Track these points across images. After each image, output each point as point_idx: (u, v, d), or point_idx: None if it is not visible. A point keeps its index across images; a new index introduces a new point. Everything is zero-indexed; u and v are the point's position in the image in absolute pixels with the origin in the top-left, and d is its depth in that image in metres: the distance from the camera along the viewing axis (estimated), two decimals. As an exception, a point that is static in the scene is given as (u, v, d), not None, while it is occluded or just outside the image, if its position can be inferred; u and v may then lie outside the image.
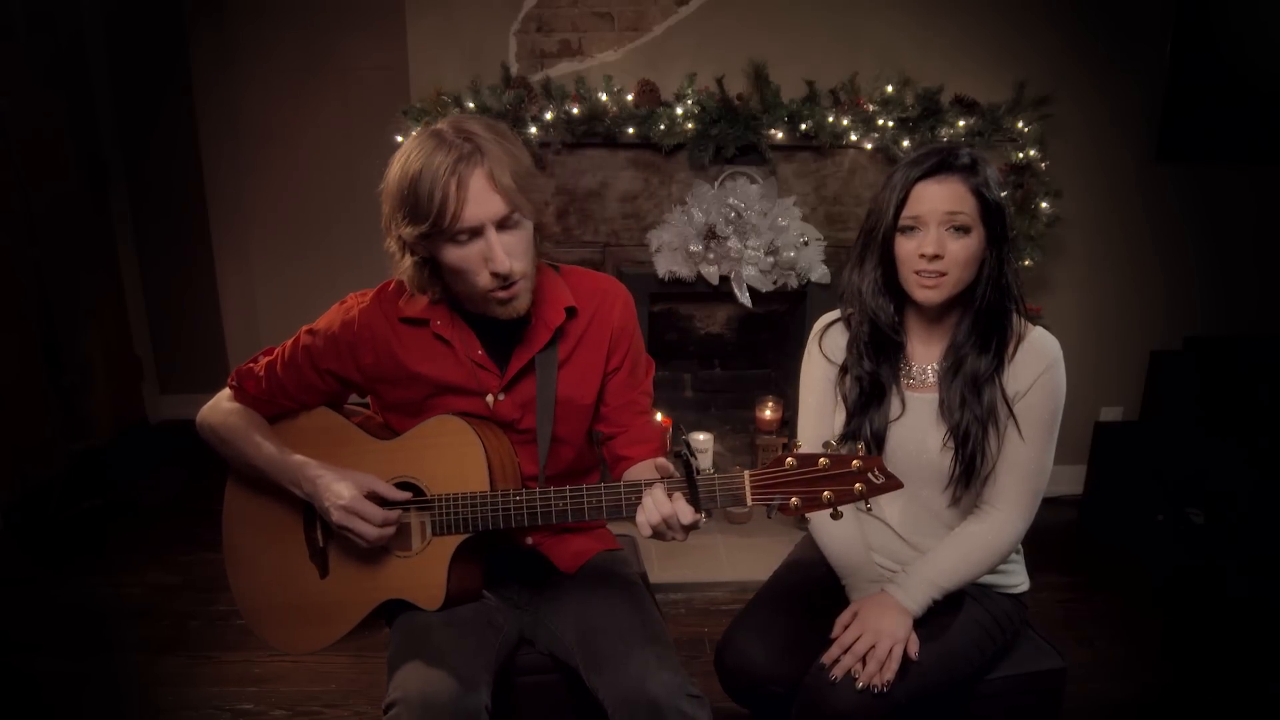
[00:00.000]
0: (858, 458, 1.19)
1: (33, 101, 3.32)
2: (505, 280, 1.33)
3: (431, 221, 1.28)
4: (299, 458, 1.43)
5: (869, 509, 1.22)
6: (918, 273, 1.40)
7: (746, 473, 1.23)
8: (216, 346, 4.03)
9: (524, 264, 1.35)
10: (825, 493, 1.19)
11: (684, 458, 1.24)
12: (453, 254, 1.32)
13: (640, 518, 1.25)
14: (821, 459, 1.20)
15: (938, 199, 1.37)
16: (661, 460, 1.32)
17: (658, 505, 1.24)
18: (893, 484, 1.20)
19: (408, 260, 1.37)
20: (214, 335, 4.04)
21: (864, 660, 1.36)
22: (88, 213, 3.67)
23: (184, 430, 3.89)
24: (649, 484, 1.27)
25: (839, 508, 1.20)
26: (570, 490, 1.33)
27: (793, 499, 1.20)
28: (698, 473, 1.24)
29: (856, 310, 1.51)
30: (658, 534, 1.26)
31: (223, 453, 1.51)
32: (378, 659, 2.36)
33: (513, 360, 1.45)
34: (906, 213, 1.38)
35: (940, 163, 1.37)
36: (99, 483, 3.39)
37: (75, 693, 2.25)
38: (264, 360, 1.52)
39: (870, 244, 1.46)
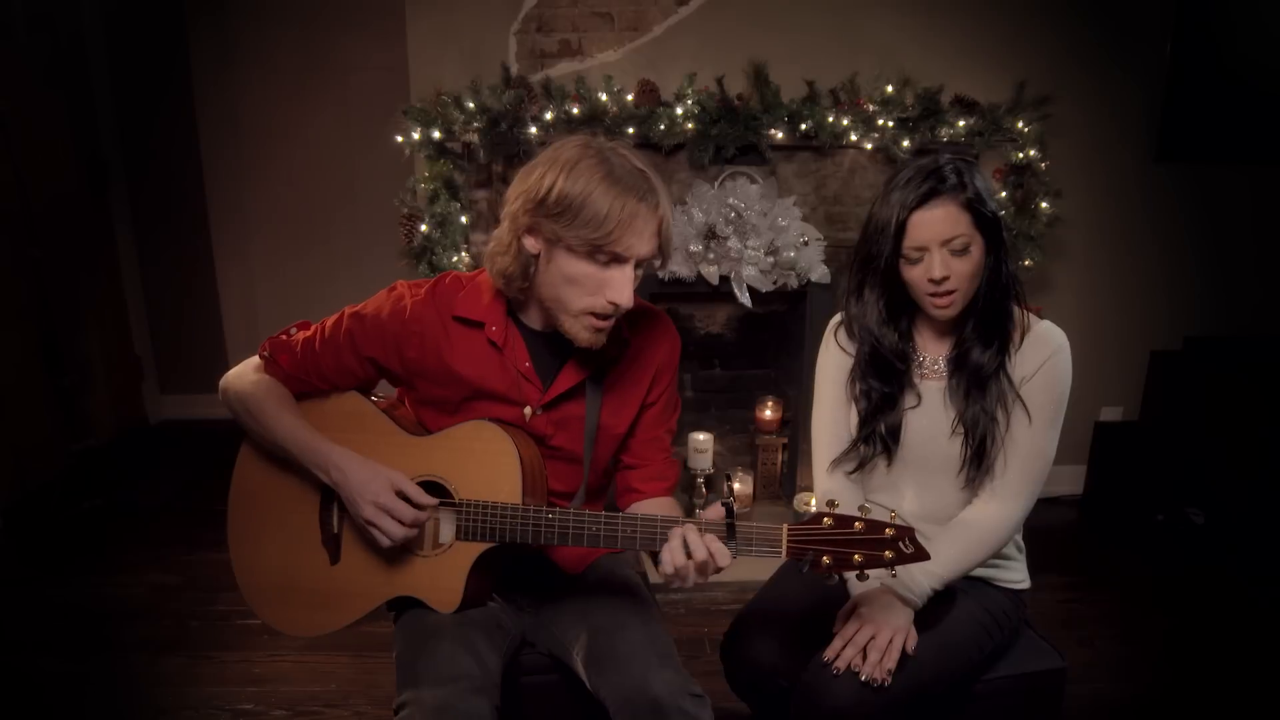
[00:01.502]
0: (891, 525, 1.23)
1: (33, 101, 3.32)
2: (614, 312, 1.34)
3: (588, 236, 1.28)
4: (329, 444, 1.41)
5: (894, 575, 1.30)
6: (930, 294, 1.44)
7: (785, 526, 1.26)
8: (216, 346, 4.03)
9: None
10: (856, 555, 1.24)
11: (728, 505, 1.27)
12: (579, 267, 1.31)
13: (665, 556, 1.27)
14: (857, 522, 1.24)
15: (935, 225, 1.39)
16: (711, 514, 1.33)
17: (693, 547, 1.25)
18: (920, 555, 1.24)
19: (513, 250, 1.35)
20: (214, 335, 4.04)
21: (865, 653, 1.38)
22: (88, 213, 3.67)
23: (184, 430, 4.01)
24: (683, 523, 1.28)
25: (866, 572, 1.24)
26: (605, 516, 1.34)
27: (825, 557, 1.24)
28: (735, 518, 1.27)
29: (861, 338, 1.54)
30: (679, 576, 1.27)
31: (245, 422, 1.48)
32: (378, 659, 2.37)
33: (559, 379, 1.45)
34: (907, 244, 1.42)
35: (930, 190, 1.39)
36: (99, 483, 3.38)
37: (75, 693, 2.25)
38: (300, 335, 1.49)
39: (870, 274, 1.50)
